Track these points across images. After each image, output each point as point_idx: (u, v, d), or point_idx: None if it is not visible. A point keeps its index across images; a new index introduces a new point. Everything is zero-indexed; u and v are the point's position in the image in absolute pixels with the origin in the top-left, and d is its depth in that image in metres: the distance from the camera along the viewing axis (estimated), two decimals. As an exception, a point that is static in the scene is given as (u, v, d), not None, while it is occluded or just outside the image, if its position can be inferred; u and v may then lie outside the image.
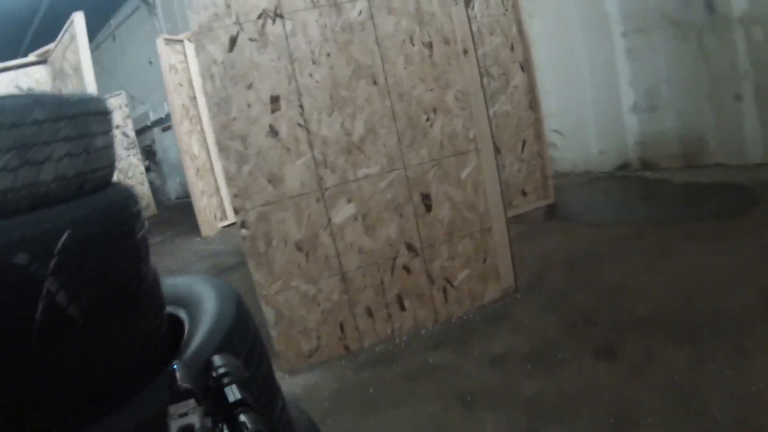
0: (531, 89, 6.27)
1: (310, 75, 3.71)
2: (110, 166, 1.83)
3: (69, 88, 6.78)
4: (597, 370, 3.13)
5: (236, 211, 3.68)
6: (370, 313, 3.98)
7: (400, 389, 3.43)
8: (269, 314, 3.81)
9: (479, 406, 3.07)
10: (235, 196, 3.65)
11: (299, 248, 3.79)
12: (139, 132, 14.77)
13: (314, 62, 3.71)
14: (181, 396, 1.02)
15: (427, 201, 3.96)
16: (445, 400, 3.20)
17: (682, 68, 6.59)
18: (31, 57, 7.32)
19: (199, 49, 3.55)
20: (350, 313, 3.94)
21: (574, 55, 7.57)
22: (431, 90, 3.92)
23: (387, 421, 3.13)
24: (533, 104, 6.27)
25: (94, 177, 1.65)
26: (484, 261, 4.15)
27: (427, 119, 3.92)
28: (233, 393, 1.06)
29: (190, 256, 8.42)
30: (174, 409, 0.97)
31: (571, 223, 5.77)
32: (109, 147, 1.80)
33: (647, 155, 7.20)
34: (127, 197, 1.73)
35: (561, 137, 7.77)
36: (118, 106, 12.91)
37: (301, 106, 3.71)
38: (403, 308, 4.03)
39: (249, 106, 3.63)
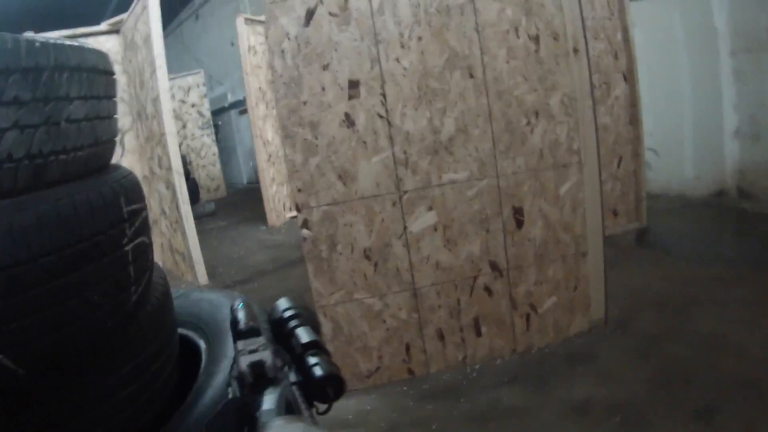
0: (633, 103, 5.61)
1: (397, 60, 3.21)
2: (95, 146, 1.31)
3: (138, 60, 6.48)
4: None
5: (298, 209, 3.20)
6: (441, 336, 3.45)
7: (466, 431, 2.94)
8: (326, 327, 3.35)
9: None
10: (298, 190, 3.18)
11: (367, 257, 3.30)
12: (216, 113, 14.63)
13: (402, 46, 3.21)
14: (245, 334, 0.96)
15: (518, 216, 3.39)
16: None
17: (791, 94, 5.85)
18: (104, 26, 7.07)
19: (271, 21, 3.11)
20: (419, 334, 3.43)
21: (676, 71, 6.85)
22: (535, 90, 3.35)
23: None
24: (634, 119, 5.61)
25: (63, 161, 1.14)
26: (575, 289, 3.57)
27: (528, 123, 3.35)
28: (305, 334, 0.99)
29: (252, 244, 8.09)
30: (243, 344, 0.91)
31: (663, 254, 5.10)
32: (95, 119, 1.29)
33: (746, 185, 6.48)
34: (115, 190, 1.23)
35: (655, 157, 7.08)
36: (195, 85, 12.84)
37: (383, 94, 3.21)
38: (479, 334, 3.48)
39: (323, 89, 3.17)
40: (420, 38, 3.21)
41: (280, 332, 1.04)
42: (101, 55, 1.42)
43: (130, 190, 1.36)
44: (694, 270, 4.54)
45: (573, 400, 3.03)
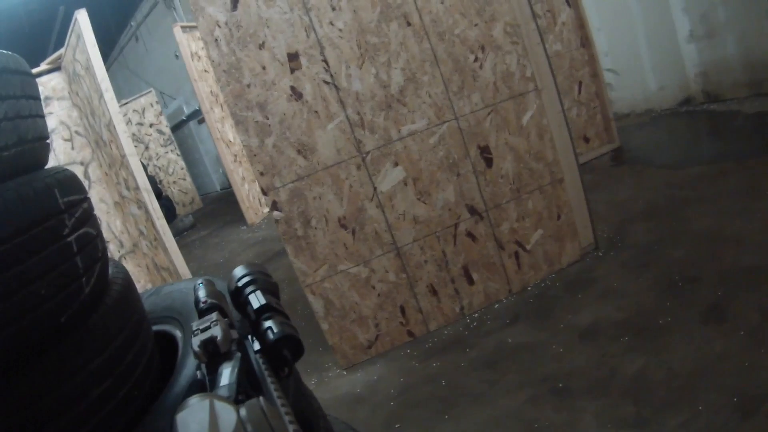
0: (581, 25, 5.53)
1: (331, 23, 3.11)
2: (20, 146, 1.26)
3: (84, 90, 6.33)
4: (707, 337, 2.55)
5: (265, 192, 3.10)
6: (433, 291, 3.38)
7: (477, 379, 2.88)
8: (317, 305, 3.26)
9: (574, 394, 2.52)
10: (261, 174, 3.08)
11: (343, 226, 3.21)
12: (176, 128, 14.49)
13: (333, 8, 3.11)
14: (205, 312, 0.96)
15: (486, 154, 3.31)
16: (533, 389, 2.64)
17: (739, -13, 5.80)
18: (43, 65, 6.89)
19: (199, 12, 3.00)
20: (411, 293, 3.35)
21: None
22: (475, 25, 3.26)
23: (467, 422, 2.60)
24: (585, 41, 5.54)
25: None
26: (559, 218, 3.49)
27: (476, 59, 3.26)
28: (257, 299, 0.96)
29: (235, 246, 8.03)
30: (196, 325, 0.88)
31: (643, 166, 5.04)
32: (15, 118, 1.23)
33: (711, 87, 6.42)
34: (48, 184, 1.18)
35: (616, 76, 7.02)
36: (149, 105, 12.69)
37: (325, 60, 3.11)
38: (471, 282, 3.41)
39: (264, 68, 3.07)
40: (349, -4, 3.11)
41: (237, 302, 1.03)
42: (12, 57, 1.35)
43: (65, 182, 1.29)
44: (678, 174, 4.49)
45: (580, 327, 2.98)
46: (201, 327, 0.86)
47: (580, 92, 5.49)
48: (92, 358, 1.21)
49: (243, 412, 0.54)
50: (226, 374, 0.77)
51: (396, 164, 3.20)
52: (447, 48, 3.22)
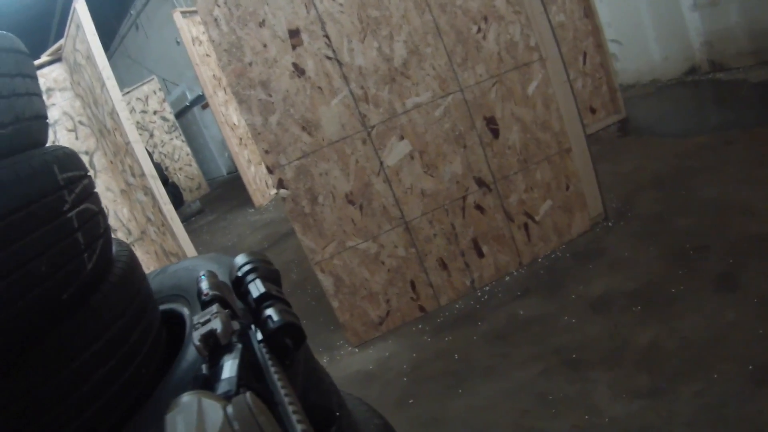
0: (583, -5, 5.46)
1: (332, -2, 3.04)
2: (17, 124, 1.22)
3: (86, 80, 6.28)
4: (719, 305, 2.51)
5: (270, 170, 3.06)
6: (443, 265, 3.34)
7: (489, 353, 2.86)
8: (327, 282, 3.22)
9: (587, 365, 2.49)
10: (266, 152, 3.03)
11: (351, 201, 3.17)
12: (180, 114, 14.42)
13: (333, -18, 3.03)
14: (207, 305, 0.92)
15: (492, 125, 3.25)
16: (546, 361, 2.62)
17: (742, -47, 5.68)
18: (44, 57, 6.84)
19: (197, -7, 2.93)
20: (421, 268, 3.31)
21: (620, -46, 6.68)
22: (477, -4, 3.20)
23: (480, 395, 2.56)
24: (588, 11, 5.44)
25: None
26: (567, 188, 3.44)
27: (479, 30, 3.20)
28: (257, 287, 0.94)
29: (243, 229, 7.98)
30: (196, 318, 0.85)
31: (649, 137, 4.97)
32: (11, 96, 1.20)
33: (715, 56, 6.31)
34: (46, 160, 1.14)
35: (620, 47, 6.90)
36: (152, 92, 12.65)
37: (326, 35, 3.05)
38: (481, 255, 3.37)
39: (265, 46, 3.01)
40: (350, -30, 3.05)
41: (238, 291, 1.00)
42: (6, 37, 1.31)
43: (64, 159, 1.25)
44: (684, 144, 4.42)
45: (591, 297, 2.94)
46: (201, 320, 0.85)
47: (584, 63, 5.41)
48: (96, 337, 1.17)
49: (230, 409, 0.53)
50: (228, 367, 0.75)
51: (402, 138, 3.15)
52: (449, 19, 3.16)
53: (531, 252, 3.44)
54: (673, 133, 4.84)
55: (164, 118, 12.87)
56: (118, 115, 5.77)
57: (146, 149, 10.54)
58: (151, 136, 12.73)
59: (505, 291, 3.31)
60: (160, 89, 12.78)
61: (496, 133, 3.25)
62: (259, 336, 0.85)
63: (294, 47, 3.03)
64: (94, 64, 5.73)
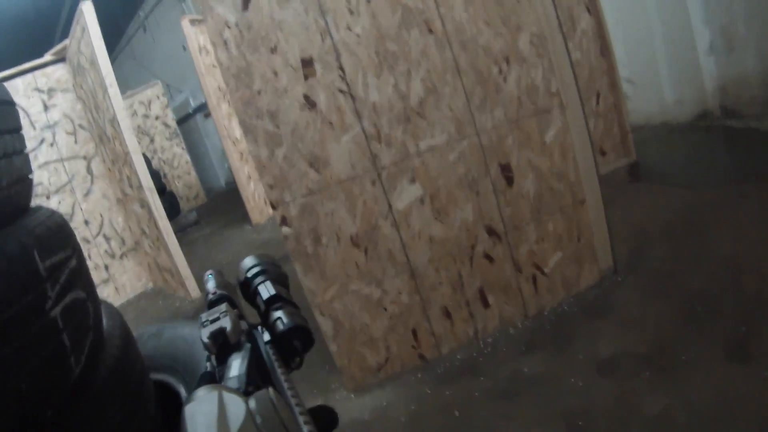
0: (600, 33, 5.31)
1: (348, 28, 2.91)
2: None
3: (89, 83, 6.18)
4: (730, 375, 2.39)
5: (274, 206, 2.91)
6: (447, 314, 3.19)
7: (492, 412, 2.71)
8: (326, 325, 3.07)
9: None
10: (270, 187, 2.88)
11: (356, 244, 3.02)
12: (182, 121, 14.28)
13: (351, 12, 2.90)
14: (214, 303, 0.94)
15: (507, 173, 3.11)
16: (551, 425, 2.49)
17: (760, 1, 5.56)
18: (48, 56, 6.76)
19: (207, 12, 2.79)
20: (424, 315, 3.16)
21: (639, -6, 6.57)
22: (500, 35, 3.05)
23: (483, 460, 2.41)
24: (604, 50, 5.31)
25: None
26: (579, 240, 3.30)
27: (500, 71, 3.06)
28: (267, 289, 0.94)
29: (240, 247, 7.78)
30: (206, 315, 0.84)
31: (660, 184, 4.82)
32: None
33: (728, 102, 6.19)
34: (24, 245, 0.96)
35: (632, 86, 6.79)
36: (155, 97, 12.53)
37: (341, 67, 2.91)
38: (486, 305, 3.22)
39: (275, 74, 2.86)
40: (368, 0, 2.91)
41: (246, 293, 1.00)
42: None
43: (47, 238, 1.06)
44: (696, 195, 4.28)
45: (598, 358, 2.80)
46: (210, 318, 0.84)
47: (597, 103, 5.28)
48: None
49: (252, 403, 0.53)
50: (236, 366, 0.75)
51: (413, 181, 3.00)
52: (470, 58, 3.02)
53: (537, 304, 3.29)
54: (685, 181, 4.71)
55: (166, 124, 12.73)
56: (119, 124, 5.66)
57: (146, 155, 10.48)
58: (152, 141, 12.57)
59: (509, 344, 3.16)
60: (163, 94, 12.65)
61: (510, 180, 3.11)
62: (267, 337, 0.85)
63: (306, 77, 2.89)
64: (98, 69, 5.63)
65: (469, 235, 3.11)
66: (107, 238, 7.20)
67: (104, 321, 1.30)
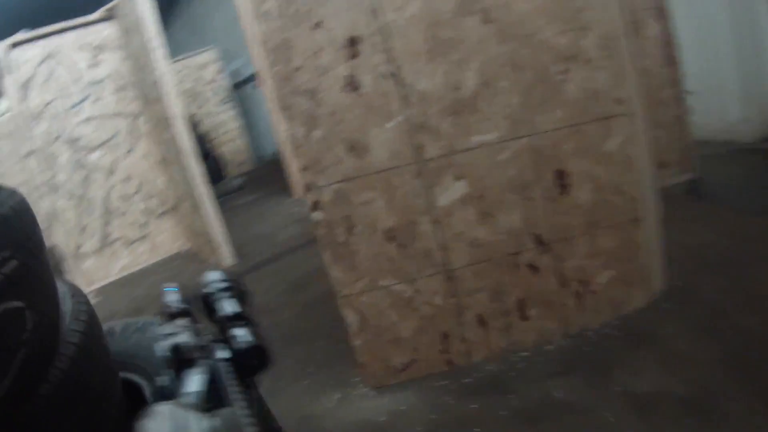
0: (668, 41, 5.00)
1: (400, 8, 2.68)
2: None
3: (136, 43, 6.17)
4: None
5: (307, 189, 2.73)
6: (482, 321, 2.98)
7: (515, 434, 2.49)
8: (351, 318, 2.91)
9: None
10: (304, 168, 2.71)
11: (391, 238, 2.83)
12: (235, 87, 14.24)
13: (404, -9, 2.67)
14: (174, 317, 0.93)
15: (562, 180, 2.86)
16: None
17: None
18: (97, 14, 6.80)
19: (249, -20, 2.61)
20: (457, 321, 2.96)
21: (711, 3, 6.19)
22: (565, 32, 2.79)
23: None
24: (671, 59, 5.01)
25: None
26: (631, 259, 3.03)
27: (563, 71, 2.80)
28: (228, 306, 0.96)
29: (280, 219, 7.67)
30: (165, 329, 0.86)
31: (720, 207, 4.50)
32: None
33: (798, 125, 5.83)
34: None
35: (697, 99, 6.44)
36: (210, 61, 12.66)
37: (388, 50, 2.70)
38: (525, 317, 3.00)
39: (317, 51, 2.68)
40: (423, -21, 2.69)
41: (208, 308, 0.99)
42: None
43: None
44: (759, 223, 3.97)
45: (636, 394, 2.56)
46: (169, 332, 0.84)
47: (661, 114, 4.98)
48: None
49: (216, 421, 0.53)
50: (194, 381, 0.74)
51: (459, 178, 2.79)
52: (531, 53, 2.77)
53: (580, 322, 3.05)
54: (748, 207, 4.38)
55: (218, 89, 12.78)
56: (162, 87, 5.61)
57: (194, 117, 10.46)
58: (203, 105, 12.64)
59: (544, 362, 2.93)
60: (218, 59, 12.68)
61: (564, 188, 2.86)
62: (224, 354, 0.84)
63: (350, 58, 2.70)
64: (146, 30, 5.60)
65: (514, 242, 2.89)
66: (148, 197, 7.25)
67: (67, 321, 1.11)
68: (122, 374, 1.42)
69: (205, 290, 1.02)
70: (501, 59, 2.75)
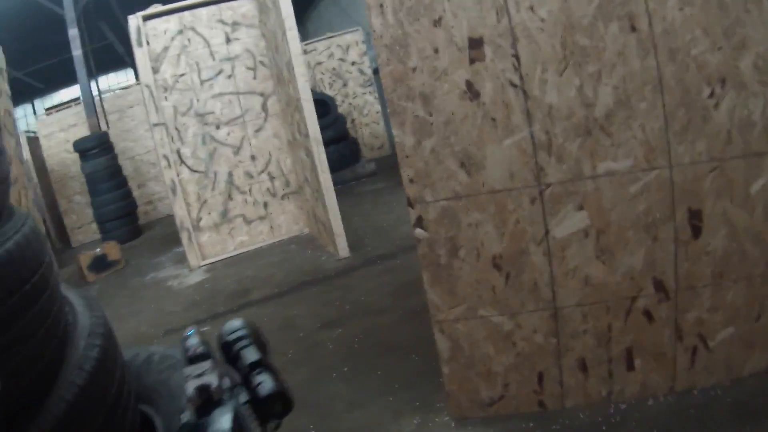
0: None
1: (531, 9, 2.34)
2: None
3: (271, 23, 6.08)
4: None
5: (411, 204, 2.43)
6: (583, 366, 2.63)
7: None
8: (443, 345, 2.64)
9: None
10: (410, 181, 2.42)
11: (497, 266, 2.51)
12: (378, 70, 14.25)
13: (538, -11, 2.32)
14: (196, 359, 0.97)
15: (696, 221, 2.46)
16: None
17: None
18: None
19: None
20: (556, 363, 2.63)
21: None
22: (719, 49, 2.36)
23: None
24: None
25: None
26: (758, 318, 2.61)
27: (711, 94, 2.39)
28: (249, 354, 1.00)
29: (405, 212, 7.32)
30: (190, 370, 0.91)
31: None
32: None
33: None
34: None
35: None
36: (354, 43, 12.53)
37: (515, 55, 2.36)
38: (630, 368, 2.63)
39: (436, 51, 2.38)
40: (561, -21, 2.32)
41: (228, 354, 1.02)
42: None
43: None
44: None
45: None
46: (196, 373, 0.88)
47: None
48: None
49: None
50: (223, 421, 0.78)
51: (580, 208, 2.43)
52: (678, 71, 2.37)
53: (689, 380, 2.66)
54: None
55: (361, 71, 12.66)
56: (294, 68, 5.51)
57: (334, 98, 10.61)
58: (345, 85, 12.59)
59: (641, 419, 2.57)
60: (363, 41, 12.52)
61: (697, 231, 2.46)
62: (245, 397, 0.89)
63: (472, 61, 2.38)
64: (279, 10, 5.45)
65: (632, 285, 2.51)
66: (272, 177, 7.20)
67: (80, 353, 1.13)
68: (143, 407, 1.38)
69: (225, 338, 1.04)
70: (643, 75, 2.37)
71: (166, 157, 6.58)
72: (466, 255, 2.50)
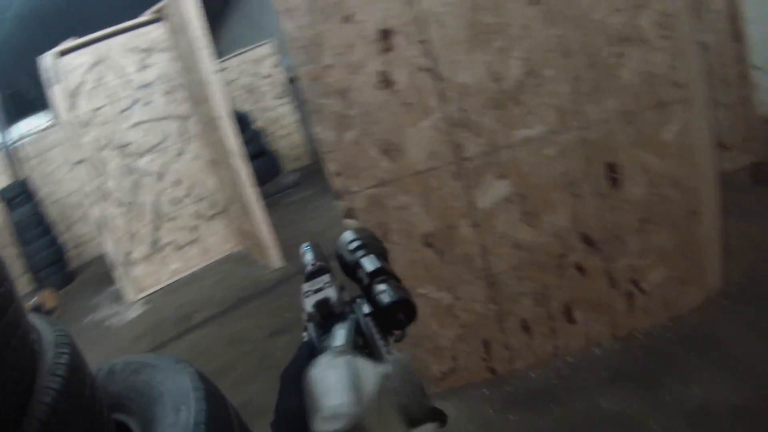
0: (733, 15, 4.57)
1: (438, -6, 2.40)
2: None
3: (183, 44, 5.99)
4: None
5: (338, 196, 2.50)
6: (526, 327, 2.72)
7: (559, 450, 2.28)
8: (388, 328, 2.66)
9: None
10: (336, 174, 2.49)
11: (429, 244, 2.59)
12: (293, 80, 14.12)
13: (441, -25, 2.39)
14: (314, 275, 0.93)
15: (613, 174, 2.55)
16: None
17: None
18: (146, 16, 6.58)
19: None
20: (499, 328, 2.71)
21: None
22: (620, 10, 2.45)
23: None
24: (737, 34, 4.57)
25: None
26: (687, 257, 2.72)
27: (616, 54, 2.48)
28: (370, 262, 0.88)
29: (334, 215, 7.35)
30: (308, 286, 0.87)
31: (788, 191, 4.09)
32: None
33: None
34: None
35: (763, 76, 5.92)
36: (266, 55, 12.31)
37: (425, 41, 2.44)
38: (571, 321, 2.73)
39: (348, 47, 2.44)
40: (462, -37, 2.39)
41: (346, 265, 0.96)
42: None
43: None
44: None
45: (689, 404, 2.32)
46: (314, 288, 0.85)
47: (724, 94, 4.56)
48: None
49: (389, 367, 0.52)
50: (341, 335, 0.75)
51: (501, 177, 2.52)
52: (581, 37, 2.46)
53: (629, 324, 2.76)
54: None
55: (275, 83, 12.48)
56: (208, 87, 5.52)
57: (248, 115, 10.39)
58: (259, 100, 12.37)
59: (590, 368, 2.68)
60: (274, 53, 12.35)
61: (616, 183, 2.56)
62: (366, 309, 0.82)
63: (383, 51, 2.45)
64: (192, 30, 5.47)
65: (561, 243, 2.61)
66: (198, 199, 7.04)
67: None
68: (115, 416, 1.35)
69: (344, 248, 0.98)
70: (548, 44, 2.46)
71: (90, 194, 6.44)
72: (398, 237, 2.57)
